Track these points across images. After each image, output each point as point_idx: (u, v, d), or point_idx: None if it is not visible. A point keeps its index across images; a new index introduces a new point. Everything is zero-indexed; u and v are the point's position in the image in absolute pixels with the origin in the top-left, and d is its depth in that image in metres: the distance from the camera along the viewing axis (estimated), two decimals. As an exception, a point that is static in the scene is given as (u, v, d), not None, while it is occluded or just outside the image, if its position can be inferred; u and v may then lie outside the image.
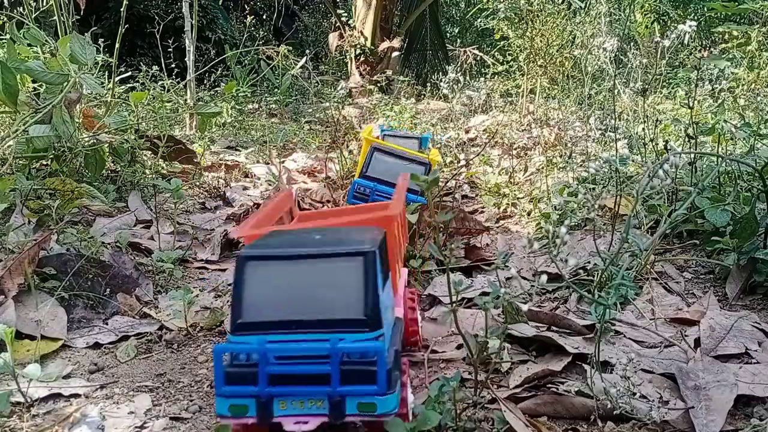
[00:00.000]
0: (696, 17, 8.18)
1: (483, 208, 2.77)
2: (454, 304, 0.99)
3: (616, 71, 2.28)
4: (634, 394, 1.03)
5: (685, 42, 1.53)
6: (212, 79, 5.59)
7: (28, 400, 1.14)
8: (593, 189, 1.21)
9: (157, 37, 4.89)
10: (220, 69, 5.73)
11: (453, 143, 3.82)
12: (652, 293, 1.59)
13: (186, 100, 4.46)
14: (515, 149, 3.44)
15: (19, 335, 1.34)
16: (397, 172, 1.69)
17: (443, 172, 3.20)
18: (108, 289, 1.62)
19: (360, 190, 1.97)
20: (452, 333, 1.41)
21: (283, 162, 3.65)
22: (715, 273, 1.75)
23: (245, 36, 6.93)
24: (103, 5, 7.91)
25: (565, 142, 3.43)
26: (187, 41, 4.59)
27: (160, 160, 2.90)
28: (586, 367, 1.19)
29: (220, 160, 3.66)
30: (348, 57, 8.30)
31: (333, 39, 8.44)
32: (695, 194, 1.36)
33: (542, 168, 2.88)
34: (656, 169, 1.03)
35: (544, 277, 0.95)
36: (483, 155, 3.41)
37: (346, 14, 9.34)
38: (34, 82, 2.67)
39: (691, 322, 1.44)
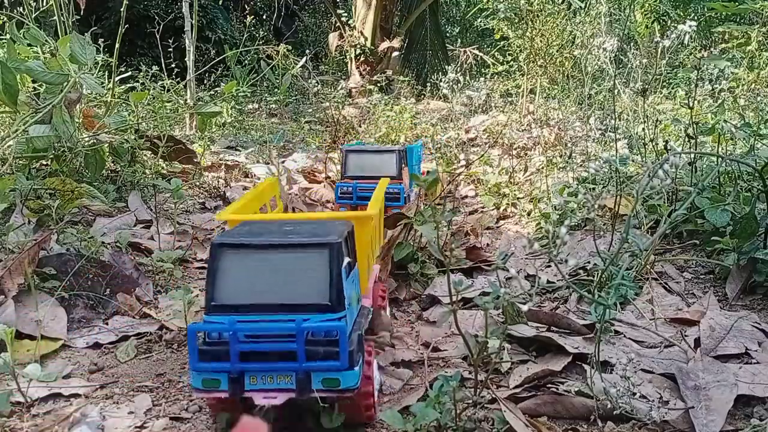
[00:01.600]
0: (696, 17, 8.18)
1: (483, 208, 2.77)
2: (454, 305, 0.99)
3: (615, 71, 2.28)
4: (634, 394, 1.03)
5: (685, 42, 1.53)
6: (212, 79, 5.59)
7: (28, 400, 1.14)
8: (593, 189, 1.21)
9: (157, 37, 4.89)
10: (220, 69, 5.73)
11: (453, 143, 3.82)
12: (652, 293, 1.59)
13: (186, 100, 4.46)
14: (515, 149, 3.44)
15: (19, 335, 1.34)
16: (279, 283, 1.01)
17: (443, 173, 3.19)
18: (108, 289, 1.61)
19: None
20: (452, 333, 1.41)
21: (283, 162, 3.65)
22: (715, 273, 1.75)
23: (245, 36, 6.93)
24: (103, 5, 7.91)
25: (565, 142, 3.43)
26: (187, 41, 4.59)
27: (160, 160, 2.90)
28: (586, 367, 1.19)
29: (220, 160, 3.67)
30: (348, 57, 8.30)
31: (333, 39, 8.45)
32: (695, 194, 1.37)
33: (542, 168, 2.88)
34: (656, 170, 1.03)
35: (545, 278, 0.95)
36: (483, 156, 3.40)
37: (346, 14, 9.34)
38: (34, 82, 2.67)
39: (691, 322, 1.44)
